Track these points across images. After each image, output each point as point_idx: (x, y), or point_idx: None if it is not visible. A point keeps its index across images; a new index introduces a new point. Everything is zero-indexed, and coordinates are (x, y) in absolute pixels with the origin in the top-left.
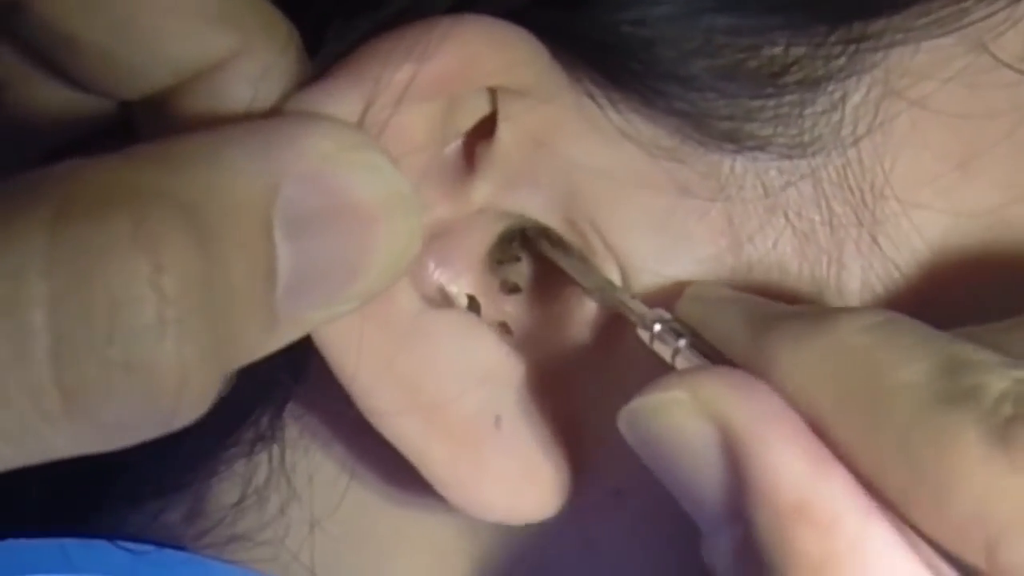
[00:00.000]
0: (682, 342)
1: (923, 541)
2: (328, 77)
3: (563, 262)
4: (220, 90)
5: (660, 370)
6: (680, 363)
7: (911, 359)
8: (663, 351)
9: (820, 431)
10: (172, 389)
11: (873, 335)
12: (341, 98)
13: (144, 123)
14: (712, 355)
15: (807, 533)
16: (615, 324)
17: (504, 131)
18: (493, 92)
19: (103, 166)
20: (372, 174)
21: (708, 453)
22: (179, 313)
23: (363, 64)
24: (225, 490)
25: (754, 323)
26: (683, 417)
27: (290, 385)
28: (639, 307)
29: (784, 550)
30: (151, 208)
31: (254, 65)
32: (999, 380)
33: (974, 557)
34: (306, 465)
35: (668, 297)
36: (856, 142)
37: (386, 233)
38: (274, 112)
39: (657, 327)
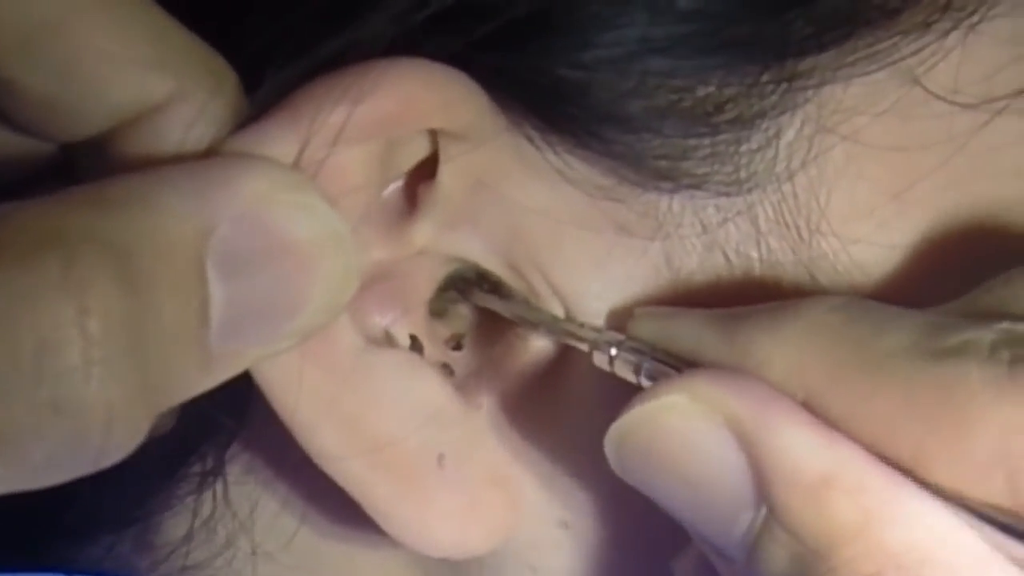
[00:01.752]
0: (645, 358)
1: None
2: (264, 119)
3: (502, 305)
4: (158, 132)
5: (611, 398)
6: (646, 378)
7: (891, 328)
8: (624, 371)
9: (813, 410)
10: (99, 428)
11: (844, 313)
12: (277, 139)
13: (85, 165)
14: (677, 365)
15: (840, 500)
16: (557, 361)
17: (444, 173)
18: (434, 134)
19: (35, 210)
20: (307, 214)
21: (717, 449)
22: (104, 354)
23: (299, 106)
24: (175, 524)
25: (719, 324)
26: (685, 419)
27: (234, 424)
28: (590, 333)
29: (820, 522)
30: (79, 251)
31: (191, 108)
32: (986, 333)
33: (997, 494)
34: (252, 500)
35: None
36: (791, 177)
37: (322, 272)
38: (210, 153)
39: (613, 351)
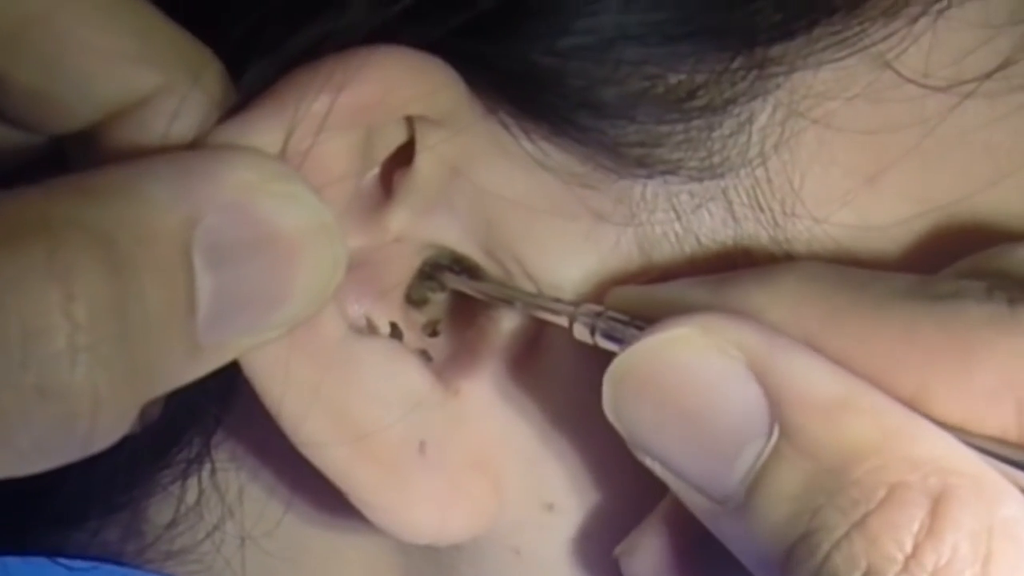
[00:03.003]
0: (627, 327)
1: None
2: (249, 109)
3: (478, 287)
4: (145, 124)
5: (589, 375)
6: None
7: (885, 278)
8: (605, 343)
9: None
10: (86, 414)
11: (834, 268)
12: (262, 129)
13: (74, 156)
14: None
15: (859, 419)
16: (532, 343)
17: (421, 160)
18: (410, 121)
19: (20, 199)
20: (294, 204)
21: (726, 379)
22: (91, 340)
23: (283, 95)
24: (161, 510)
25: (707, 285)
26: (694, 350)
27: (220, 412)
28: (568, 307)
29: (839, 440)
30: (65, 238)
31: (177, 100)
32: (978, 282)
33: (1005, 424)
34: (237, 487)
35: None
36: (764, 162)
37: (309, 262)
38: (196, 144)
39: (590, 321)
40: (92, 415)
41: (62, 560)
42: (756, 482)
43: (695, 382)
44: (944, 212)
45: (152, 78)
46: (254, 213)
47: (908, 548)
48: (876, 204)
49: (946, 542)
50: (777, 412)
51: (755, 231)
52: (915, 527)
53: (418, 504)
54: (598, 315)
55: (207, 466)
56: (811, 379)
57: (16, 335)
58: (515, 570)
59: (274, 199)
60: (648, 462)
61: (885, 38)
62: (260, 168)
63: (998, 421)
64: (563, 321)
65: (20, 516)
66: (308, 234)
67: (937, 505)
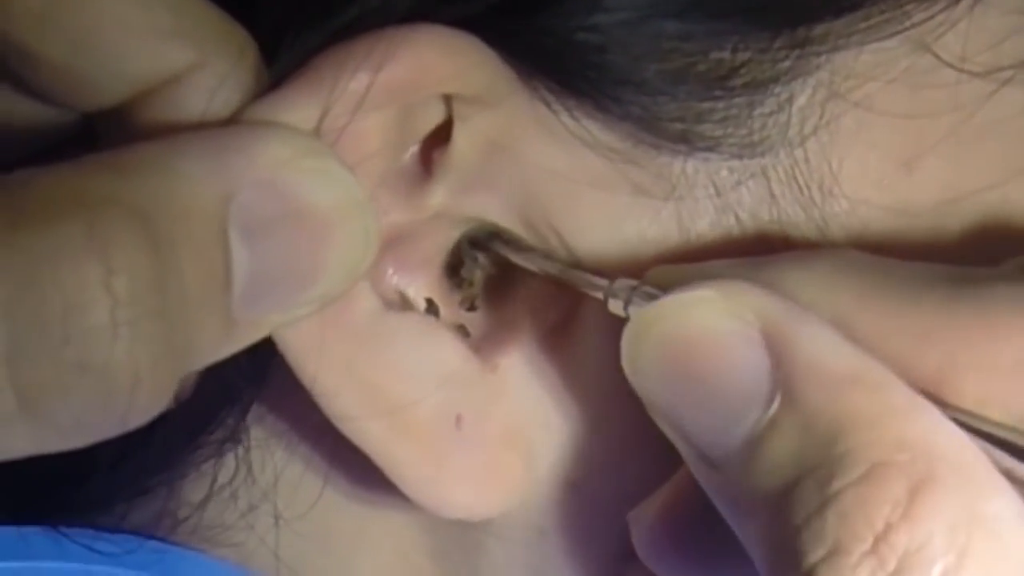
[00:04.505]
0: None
1: None
2: (284, 86)
3: (518, 256)
4: (178, 102)
5: (618, 357)
6: None
7: (920, 266)
8: None
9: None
10: (126, 389)
11: (869, 255)
12: (297, 106)
13: (106, 134)
14: None
15: (862, 394)
16: (569, 320)
17: (460, 136)
18: (448, 99)
19: (56, 175)
20: (327, 180)
21: (739, 343)
22: (131, 315)
23: (318, 73)
24: (195, 489)
25: (743, 265)
26: (711, 312)
27: (254, 389)
28: (602, 281)
29: (836, 410)
30: (103, 213)
31: (211, 77)
32: (1008, 268)
33: None
34: (272, 465)
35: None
36: (803, 142)
37: (342, 238)
38: (232, 121)
39: (625, 294)
40: (132, 391)
41: (105, 535)
42: (752, 449)
43: (708, 343)
44: (979, 199)
45: (185, 55)
46: (287, 189)
47: (879, 528)
48: (912, 188)
49: (921, 527)
50: (782, 379)
51: (793, 210)
52: (888, 508)
53: (454, 479)
54: (633, 288)
55: (242, 445)
56: (823, 350)
57: (57, 310)
58: (539, 550)
59: (308, 175)
60: (659, 421)
61: (925, 21)
62: (294, 144)
63: (1020, 400)
64: (599, 293)
65: (48, 500)
66: (341, 211)
67: (918, 489)
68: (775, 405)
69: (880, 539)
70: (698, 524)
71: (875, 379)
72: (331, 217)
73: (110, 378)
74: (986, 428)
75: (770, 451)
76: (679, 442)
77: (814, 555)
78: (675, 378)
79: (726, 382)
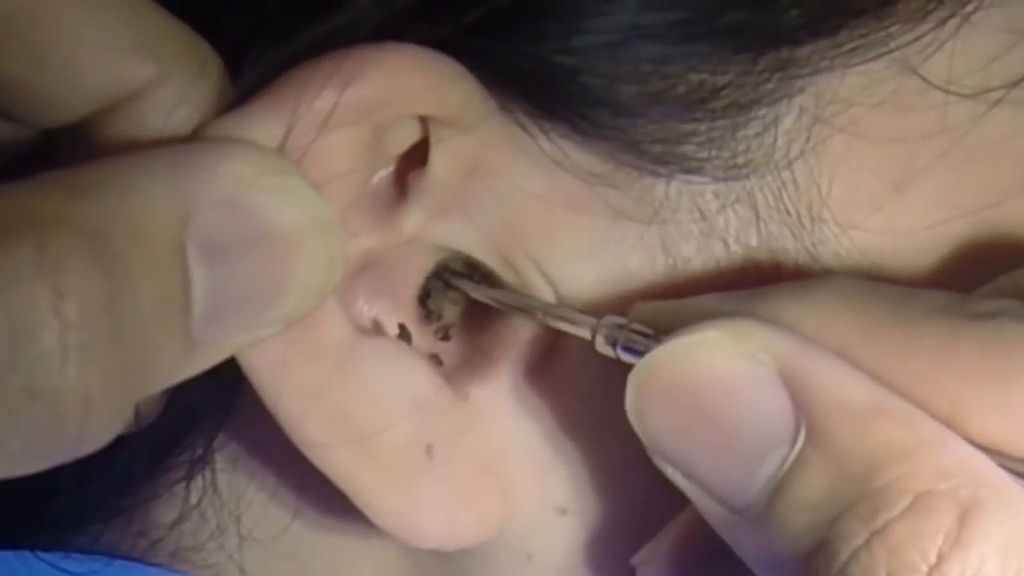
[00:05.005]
0: (651, 341)
1: None
2: (248, 103)
3: (493, 294)
4: (139, 118)
5: (606, 385)
6: None
7: (921, 295)
8: (627, 356)
9: None
10: (76, 414)
11: (868, 283)
12: (261, 123)
13: (67, 151)
14: None
15: (889, 427)
16: (547, 349)
17: (436, 159)
18: (425, 121)
19: (8, 193)
20: (291, 198)
21: (755, 384)
22: (82, 339)
23: (284, 90)
24: (166, 511)
25: (737, 299)
26: (723, 354)
27: (221, 414)
28: (590, 319)
29: (868, 446)
30: (55, 235)
31: (172, 93)
32: (1015, 302)
33: None
34: (239, 490)
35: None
36: (790, 164)
37: (306, 257)
38: (192, 138)
39: (613, 334)
40: (83, 416)
41: (74, 555)
42: (778, 490)
43: (721, 387)
44: (972, 220)
45: (146, 71)
46: (249, 208)
47: (932, 559)
48: (904, 211)
49: (973, 553)
50: (805, 417)
51: (781, 234)
52: (940, 537)
53: (424, 508)
54: (620, 327)
55: (211, 468)
56: (843, 385)
57: (4, 334)
58: (526, 573)
59: (270, 193)
60: (667, 470)
61: (911, 42)
62: (256, 161)
63: None
64: (584, 333)
65: (20, 522)
66: (305, 229)
67: (966, 516)
68: (799, 444)
69: (934, 569)
70: (712, 567)
71: (901, 411)
72: (295, 236)
73: (60, 403)
74: (1007, 464)
75: (800, 490)
76: (692, 491)
77: None
78: (688, 426)
79: (745, 426)
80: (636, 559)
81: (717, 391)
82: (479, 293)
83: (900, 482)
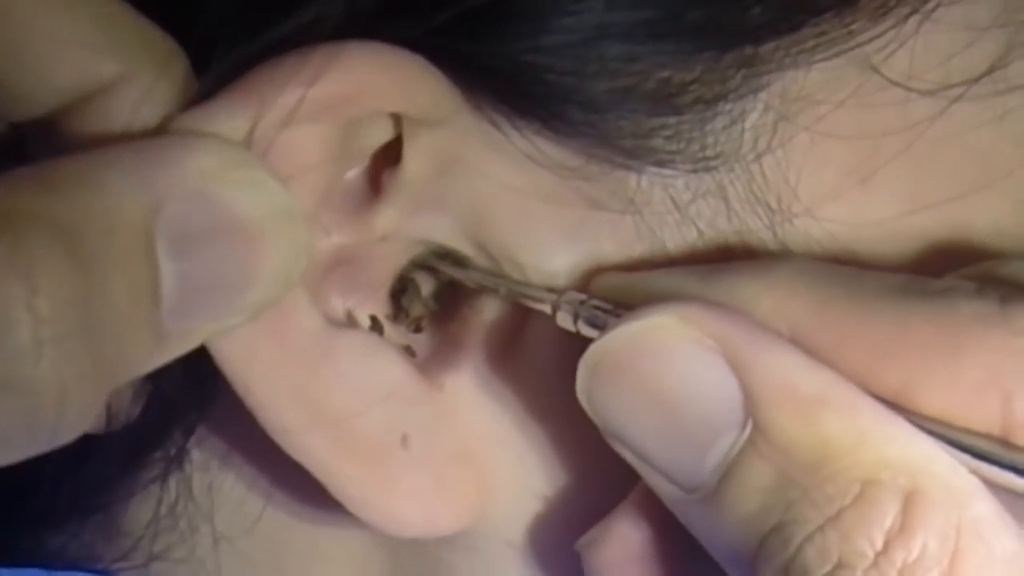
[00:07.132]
0: (611, 315)
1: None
2: (214, 97)
3: (463, 273)
4: (106, 112)
5: (571, 363)
6: None
7: (876, 274)
8: (588, 330)
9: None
10: (52, 406)
11: (826, 263)
12: (227, 117)
13: (35, 145)
14: None
15: (834, 417)
16: (515, 334)
17: (409, 156)
18: (398, 118)
19: None
20: (256, 190)
21: (704, 369)
22: (55, 333)
23: (250, 85)
24: (140, 511)
25: (697, 273)
26: (672, 338)
27: (197, 410)
28: (550, 295)
29: (813, 437)
30: (27, 231)
31: (139, 89)
32: (969, 283)
33: (988, 418)
34: (217, 485)
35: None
36: (758, 158)
37: (272, 247)
38: (158, 132)
39: (573, 308)
40: (58, 407)
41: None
42: (728, 473)
43: (670, 371)
44: (936, 211)
45: (113, 66)
46: (215, 200)
47: (879, 544)
48: (870, 202)
49: (916, 539)
50: (751, 405)
51: (753, 224)
52: (887, 524)
53: (401, 498)
54: (581, 303)
55: (187, 464)
56: (787, 374)
57: None
58: (510, 562)
59: (235, 186)
60: (620, 449)
61: (872, 39)
62: (222, 155)
63: (983, 416)
64: (547, 308)
65: None
66: (270, 220)
67: (908, 503)
68: (748, 429)
69: (880, 555)
70: (666, 544)
71: (842, 400)
72: (260, 227)
73: (35, 396)
74: (953, 436)
75: (749, 474)
76: (644, 469)
77: (819, 571)
78: (637, 408)
79: (694, 409)
80: (580, 543)
81: (666, 375)
82: (449, 271)
83: (848, 471)
